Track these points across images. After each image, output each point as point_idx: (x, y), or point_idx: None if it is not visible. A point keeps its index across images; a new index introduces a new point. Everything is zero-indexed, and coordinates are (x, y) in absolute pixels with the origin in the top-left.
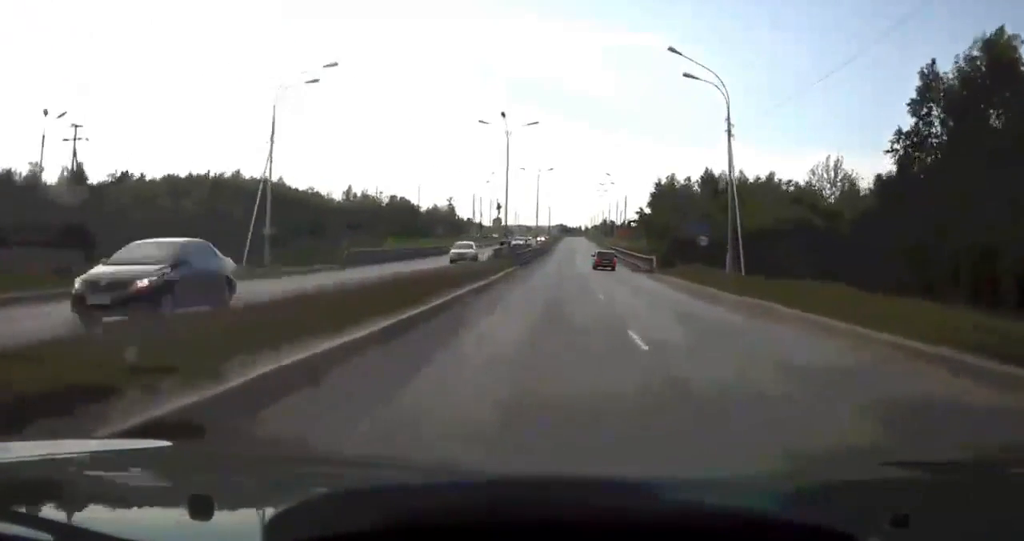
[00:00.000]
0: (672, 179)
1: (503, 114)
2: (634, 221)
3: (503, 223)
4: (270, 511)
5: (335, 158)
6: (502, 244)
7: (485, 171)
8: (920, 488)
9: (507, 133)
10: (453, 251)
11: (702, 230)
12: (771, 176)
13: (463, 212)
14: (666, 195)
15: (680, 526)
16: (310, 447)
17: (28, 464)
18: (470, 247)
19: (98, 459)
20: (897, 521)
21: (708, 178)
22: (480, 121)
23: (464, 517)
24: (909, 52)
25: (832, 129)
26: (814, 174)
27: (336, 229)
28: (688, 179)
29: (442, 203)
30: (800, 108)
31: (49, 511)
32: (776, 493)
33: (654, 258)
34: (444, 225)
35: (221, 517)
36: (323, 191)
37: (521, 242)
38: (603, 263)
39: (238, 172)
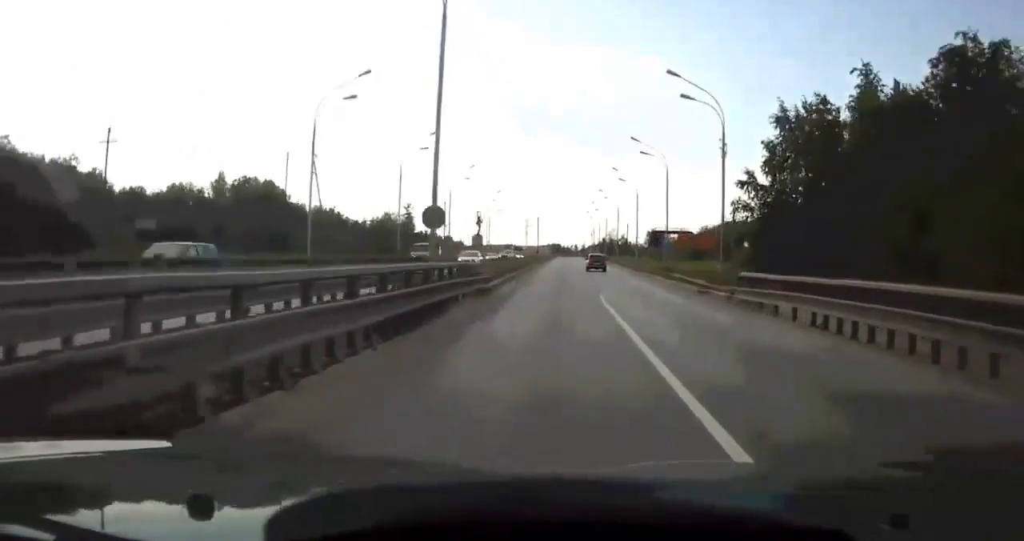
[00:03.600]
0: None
1: None
2: (746, 205)
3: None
4: (270, 511)
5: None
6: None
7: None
8: (919, 488)
9: None
10: None
11: None
12: None
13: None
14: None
15: (679, 526)
16: (310, 447)
17: (28, 464)
18: None
19: (98, 459)
20: (896, 521)
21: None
22: None
23: (464, 517)
24: None
25: None
26: None
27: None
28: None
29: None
30: None
31: (49, 511)
32: (776, 493)
33: None
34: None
35: (221, 517)
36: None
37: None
38: (595, 265)
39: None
